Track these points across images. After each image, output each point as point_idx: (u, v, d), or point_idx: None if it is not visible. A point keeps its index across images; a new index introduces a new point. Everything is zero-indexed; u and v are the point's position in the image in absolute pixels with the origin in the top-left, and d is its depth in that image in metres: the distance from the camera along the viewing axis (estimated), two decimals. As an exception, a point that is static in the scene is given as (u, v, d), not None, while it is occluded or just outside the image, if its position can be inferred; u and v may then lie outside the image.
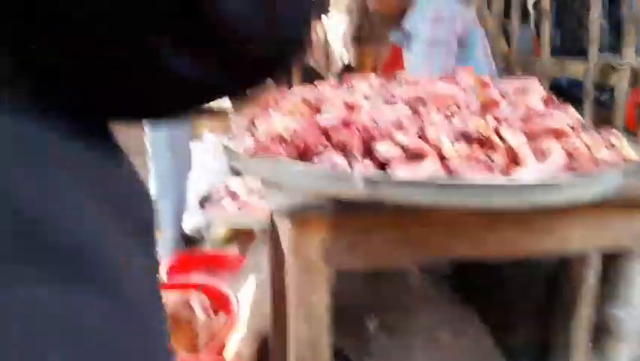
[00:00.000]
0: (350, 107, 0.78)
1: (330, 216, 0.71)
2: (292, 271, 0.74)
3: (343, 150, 0.73)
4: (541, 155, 0.71)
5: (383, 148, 0.67)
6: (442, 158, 0.67)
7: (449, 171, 0.65)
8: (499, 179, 0.65)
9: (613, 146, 0.80)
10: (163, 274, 2.06)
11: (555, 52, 1.83)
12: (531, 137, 0.75)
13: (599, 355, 1.64)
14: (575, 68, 1.72)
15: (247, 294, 1.49)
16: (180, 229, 2.38)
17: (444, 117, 0.70)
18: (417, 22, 1.76)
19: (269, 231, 1.21)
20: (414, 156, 0.68)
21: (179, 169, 2.41)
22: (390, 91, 0.83)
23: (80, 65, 0.23)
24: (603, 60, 1.56)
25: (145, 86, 0.25)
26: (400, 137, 0.68)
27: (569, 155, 0.70)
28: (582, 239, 0.84)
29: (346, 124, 0.73)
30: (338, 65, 3.74)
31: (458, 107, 0.74)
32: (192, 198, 2.44)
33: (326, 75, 3.84)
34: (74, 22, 0.21)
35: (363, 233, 0.75)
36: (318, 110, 0.80)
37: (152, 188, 2.43)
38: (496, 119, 0.77)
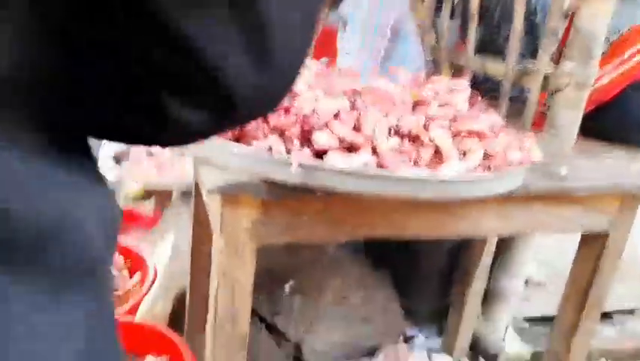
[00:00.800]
0: (292, 94, 0.78)
1: (261, 198, 0.73)
2: (218, 247, 0.75)
3: (281, 135, 0.74)
4: (463, 154, 0.78)
5: (321, 138, 0.70)
6: (376, 151, 0.71)
7: (381, 164, 0.69)
8: (424, 173, 0.70)
9: (524, 147, 0.89)
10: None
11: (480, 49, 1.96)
12: (456, 136, 0.82)
13: (487, 316, 1.85)
14: (494, 68, 1.84)
15: (163, 253, 1.47)
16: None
17: (379, 113, 0.74)
18: (353, 7, 1.76)
19: (193, 196, 1.20)
20: (349, 147, 0.71)
21: None
22: (331, 82, 0.84)
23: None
24: (520, 65, 1.69)
25: (148, 130, 0.26)
26: (337, 128, 0.70)
27: (487, 155, 0.77)
28: (490, 225, 0.94)
29: (286, 110, 0.73)
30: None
31: (393, 104, 0.78)
32: (108, 152, 2.31)
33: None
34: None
35: (293, 215, 0.78)
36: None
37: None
38: (427, 117, 0.83)
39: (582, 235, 1.12)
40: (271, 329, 1.55)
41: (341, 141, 0.71)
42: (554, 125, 1.61)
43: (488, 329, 1.82)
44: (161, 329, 1.03)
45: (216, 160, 0.72)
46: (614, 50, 1.92)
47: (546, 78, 1.63)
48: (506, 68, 1.79)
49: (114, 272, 1.30)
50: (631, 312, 2.18)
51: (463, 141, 0.79)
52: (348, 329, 1.65)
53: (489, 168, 0.76)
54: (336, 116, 0.73)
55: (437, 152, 0.76)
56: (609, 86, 1.91)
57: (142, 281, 1.27)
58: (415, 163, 0.72)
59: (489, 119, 0.87)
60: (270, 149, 0.69)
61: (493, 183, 0.75)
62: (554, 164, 1.07)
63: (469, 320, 1.66)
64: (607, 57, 1.90)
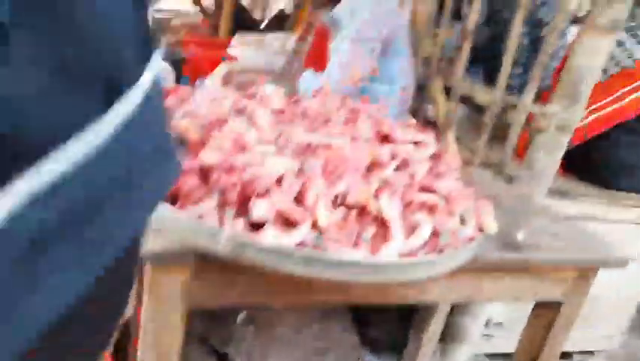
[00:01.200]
0: (240, 147, 0.74)
1: (191, 264, 0.69)
2: (147, 311, 0.71)
3: (222, 194, 0.70)
4: (411, 229, 0.74)
5: (258, 209, 0.66)
6: (316, 226, 0.68)
7: (318, 244, 0.65)
8: (359, 257, 0.66)
9: (479, 218, 0.86)
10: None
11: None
12: (407, 206, 0.78)
13: (445, 354, 1.84)
14: (481, 97, 1.81)
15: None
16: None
17: (323, 185, 0.70)
18: (346, 14, 1.72)
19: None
20: (287, 220, 0.67)
21: None
22: (288, 131, 0.80)
23: None
24: (507, 100, 1.67)
25: None
26: (277, 198, 0.67)
27: (436, 233, 0.74)
28: (438, 293, 0.92)
29: (229, 170, 0.69)
30: (272, 9, 3.55)
31: (345, 168, 0.74)
32: None
33: (261, 16, 3.64)
34: None
35: (226, 278, 0.74)
36: (202, 144, 0.76)
37: None
38: (380, 182, 0.79)
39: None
40: (222, 359, 1.53)
41: (279, 213, 0.67)
42: (531, 167, 1.59)
43: (445, 364, 1.81)
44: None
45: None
46: (611, 82, 1.89)
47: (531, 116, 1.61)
48: (491, 101, 1.76)
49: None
50: (591, 353, 2.19)
51: (412, 215, 0.76)
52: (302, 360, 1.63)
53: (435, 247, 0.73)
54: (279, 181, 0.69)
55: (382, 228, 0.73)
56: (598, 124, 1.89)
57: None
58: (356, 242, 0.68)
59: (446, 186, 0.84)
60: (203, 218, 0.65)
61: (436, 265, 0.72)
62: (513, 225, 1.05)
63: (425, 358, 1.65)
64: (602, 89, 1.88)
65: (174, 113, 0.86)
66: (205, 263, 0.70)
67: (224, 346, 1.49)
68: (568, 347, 2.10)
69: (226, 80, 2.05)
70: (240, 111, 0.86)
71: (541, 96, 1.80)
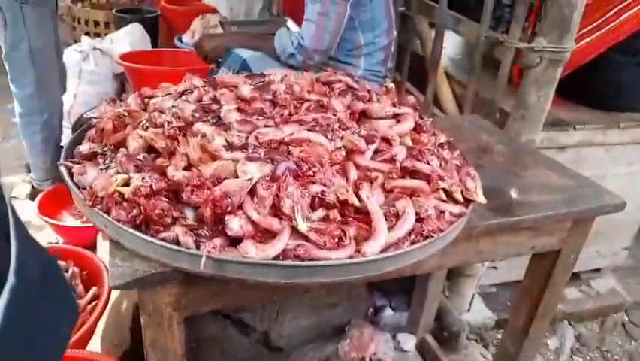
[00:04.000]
0: (211, 156, 0.71)
1: (177, 282, 0.69)
2: (147, 327, 0.72)
3: (195, 209, 0.68)
4: (394, 217, 0.72)
5: (234, 225, 0.64)
6: (297, 231, 0.66)
7: (300, 252, 0.64)
8: (344, 256, 0.65)
9: (467, 188, 0.83)
10: (34, 209, 1.93)
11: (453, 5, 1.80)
12: (389, 192, 0.76)
13: (452, 291, 1.89)
14: (468, 30, 1.70)
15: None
16: (54, 156, 2.17)
17: (301, 185, 0.67)
18: None
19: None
20: (267, 230, 0.66)
21: (46, 85, 2.08)
22: (257, 129, 0.76)
23: None
24: (493, 36, 1.57)
25: None
26: (251, 212, 0.65)
27: (420, 220, 0.72)
28: (432, 263, 0.91)
29: (198, 187, 0.67)
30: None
31: (321, 165, 0.71)
32: (72, 118, 2.19)
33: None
34: None
35: (217, 283, 0.74)
36: (169, 154, 0.72)
37: (17, 111, 2.14)
38: (359, 170, 0.76)
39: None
40: (238, 324, 1.58)
41: (256, 225, 0.65)
42: (524, 104, 1.53)
43: (453, 303, 1.86)
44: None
45: (125, 245, 0.67)
46: (598, 2, 1.77)
47: (519, 51, 1.52)
48: (477, 39, 1.67)
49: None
50: (597, 271, 2.24)
51: (395, 202, 0.73)
52: (314, 315, 1.68)
53: (421, 234, 0.71)
54: (251, 192, 0.67)
55: (367, 216, 0.71)
56: (589, 48, 1.79)
57: (99, 298, 1.25)
58: (340, 241, 0.66)
59: (428, 165, 0.80)
60: (177, 241, 0.64)
61: (423, 251, 0.71)
62: (506, 181, 1.02)
63: (434, 296, 1.68)
64: (592, 9, 1.76)
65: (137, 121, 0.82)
66: (192, 278, 0.69)
67: (238, 313, 1.54)
68: (577, 268, 2.15)
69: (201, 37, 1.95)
70: (206, 110, 0.82)
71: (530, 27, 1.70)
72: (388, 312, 1.89)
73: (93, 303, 1.25)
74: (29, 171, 2.38)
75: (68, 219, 2.05)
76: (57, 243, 2.00)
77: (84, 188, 0.73)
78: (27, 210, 2.05)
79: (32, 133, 2.20)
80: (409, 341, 1.72)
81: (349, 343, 1.63)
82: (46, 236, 2.04)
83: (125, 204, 0.66)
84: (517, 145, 1.26)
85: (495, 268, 1.99)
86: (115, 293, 1.40)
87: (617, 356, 1.93)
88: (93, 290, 1.28)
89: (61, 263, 1.36)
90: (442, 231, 0.72)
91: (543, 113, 1.55)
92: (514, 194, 0.97)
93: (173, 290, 0.71)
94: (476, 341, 1.89)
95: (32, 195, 2.29)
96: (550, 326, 2.03)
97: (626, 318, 2.13)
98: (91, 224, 1.77)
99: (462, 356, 1.78)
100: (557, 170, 1.11)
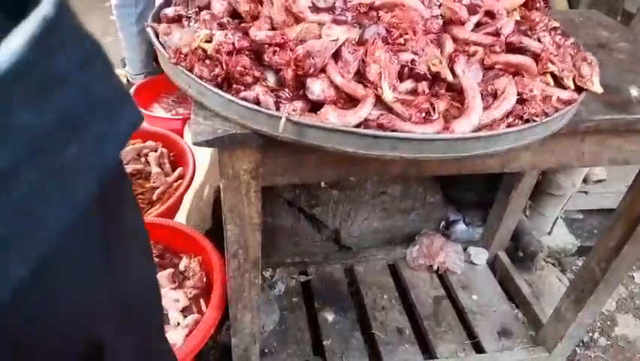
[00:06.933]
0: (296, 18, 0.67)
1: (257, 146, 0.68)
2: (226, 190, 0.74)
3: (277, 72, 0.65)
4: (492, 97, 0.65)
5: (316, 88, 0.61)
6: (381, 101, 0.61)
7: (380, 123, 0.59)
8: (431, 132, 0.60)
9: (581, 75, 0.73)
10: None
11: None
12: (489, 69, 0.67)
13: (535, 211, 1.79)
14: None
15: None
16: (149, 49, 2.25)
17: (390, 51, 0.61)
18: None
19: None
20: (350, 97, 0.62)
21: None
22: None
23: None
24: None
25: None
26: (334, 75, 0.60)
27: (522, 101, 0.64)
28: (528, 163, 0.84)
29: (281, 45, 0.63)
30: None
31: (414, 32, 0.64)
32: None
33: None
34: None
35: (295, 155, 0.73)
36: (253, 17, 0.69)
37: (113, 2, 2.21)
38: (457, 42, 0.68)
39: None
40: (311, 219, 1.62)
41: (339, 90, 0.61)
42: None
43: (534, 224, 1.77)
44: (194, 234, 1.11)
45: (205, 104, 0.66)
46: None
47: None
48: None
49: (154, 166, 1.34)
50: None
51: (495, 80, 0.65)
52: (386, 219, 1.68)
53: (521, 117, 0.63)
54: (336, 56, 0.62)
55: (461, 94, 0.64)
56: None
57: (184, 176, 1.32)
58: (428, 117, 0.61)
59: (537, 42, 0.70)
60: (258, 101, 0.62)
61: (520, 137, 0.63)
62: (626, 79, 0.88)
63: (513, 213, 1.60)
64: None
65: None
66: (272, 144, 0.68)
67: (312, 208, 1.58)
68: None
69: None
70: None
71: None
72: (461, 226, 1.84)
73: (179, 181, 1.33)
74: (124, 65, 2.50)
75: (159, 112, 2.16)
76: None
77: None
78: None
79: (128, 25, 2.26)
80: (480, 255, 1.67)
81: (418, 249, 1.63)
82: (149, 127, 2.18)
83: (207, 62, 0.65)
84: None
85: (586, 192, 1.83)
86: (199, 178, 1.48)
87: None
88: (179, 170, 1.36)
89: (152, 143, 1.44)
90: (546, 115, 0.63)
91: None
92: (634, 92, 0.84)
93: (252, 157, 0.71)
94: (553, 265, 1.81)
95: (128, 88, 2.42)
96: (639, 259, 1.89)
97: None
98: (180, 116, 1.85)
99: (535, 277, 1.71)
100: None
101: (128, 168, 1.29)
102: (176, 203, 1.24)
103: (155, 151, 1.40)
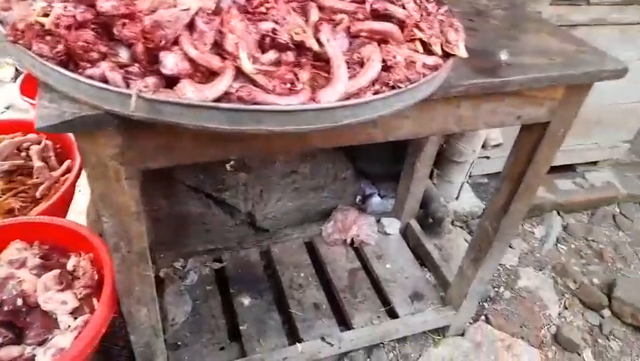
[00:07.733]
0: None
1: (113, 127, 0.63)
2: (92, 179, 0.68)
3: (130, 47, 0.60)
4: (358, 65, 0.64)
5: (169, 61, 0.56)
6: (244, 74, 0.58)
7: (240, 96, 0.57)
8: (295, 103, 0.58)
9: (448, 41, 0.74)
10: (17, 91, 1.88)
11: None
12: (355, 37, 0.67)
13: (440, 178, 1.86)
14: None
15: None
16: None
17: (250, 21, 0.58)
18: None
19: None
20: (208, 70, 0.58)
21: None
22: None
23: None
24: None
25: None
26: (188, 47, 0.57)
27: (387, 68, 0.64)
28: (409, 131, 0.85)
29: (129, 16, 0.58)
30: None
31: (276, 0, 0.61)
32: None
33: None
34: None
35: (163, 136, 0.68)
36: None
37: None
38: (321, 10, 0.66)
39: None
40: (221, 204, 1.57)
41: (194, 63, 0.57)
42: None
43: (441, 191, 1.84)
44: (82, 230, 1.03)
45: (50, 84, 0.60)
46: None
47: None
48: None
49: (36, 160, 1.23)
50: (594, 163, 2.19)
51: (360, 48, 0.65)
52: (299, 198, 1.67)
53: (387, 84, 0.63)
54: (191, 27, 0.58)
55: (327, 63, 0.63)
56: None
57: (71, 171, 1.22)
58: (293, 88, 0.59)
59: (403, 9, 0.70)
60: (105, 78, 0.57)
61: (386, 104, 0.63)
62: (497, 44, 0.92)
63: (420, 182, 1.66)
64: None
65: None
66: (136, 126, 0.63)
67: (220, 193, 1.53)
68: (572, 159, 2.10)
69: None
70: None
71: None
72: (376, 199, 1.88)
73: (66, 176, 1.22)
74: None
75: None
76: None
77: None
78: (11, 93, 1.99)
79: None
80: (393, 225, 1.72)
81: (333, 225, 1.64)
82: (31, 117, 2.00)
83: (48, 38, 0.58)
84: (520, 11, 1.13)
85: (487, 157, 1.94)
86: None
87: (603, 245, 1.95)
88: (67, 163, 1.25)
89: (34, 136, 1.32)
90: (410, 81, 0.64)
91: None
92: (503, 56, 0.87)
93: (115, 142, 0.66)
94: (461, 228, 1.90)
95: (16, 78, 2.22)
96: (539, 217, 2.04)
97: (618, 210, 2.12)
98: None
99: (444, 241, 1.80)
100: (560, 35, 1.00)
101: (4, 166, 1.17)
102: (63, 199, 1.15)
103: (39, 144, 1.28)
